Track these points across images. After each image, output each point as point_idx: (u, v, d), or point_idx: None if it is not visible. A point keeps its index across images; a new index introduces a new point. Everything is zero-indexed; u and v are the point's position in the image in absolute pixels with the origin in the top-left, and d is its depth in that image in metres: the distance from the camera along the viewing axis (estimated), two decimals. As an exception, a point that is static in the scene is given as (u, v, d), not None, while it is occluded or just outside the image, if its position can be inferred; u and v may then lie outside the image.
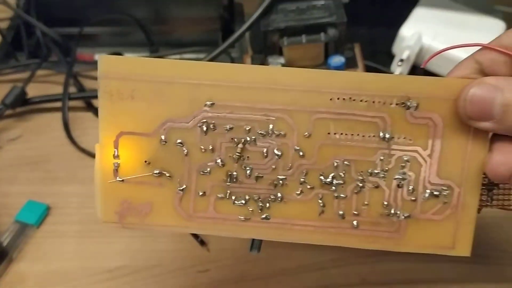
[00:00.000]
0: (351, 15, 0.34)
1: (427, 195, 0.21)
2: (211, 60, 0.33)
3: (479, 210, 0.21)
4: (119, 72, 0.20)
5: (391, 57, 0.39)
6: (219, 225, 0.21)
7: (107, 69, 0.20)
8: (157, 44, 0.42)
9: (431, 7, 0.40)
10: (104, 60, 0.20)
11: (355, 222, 0.21)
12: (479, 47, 0.20)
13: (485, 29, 0.39)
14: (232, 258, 0.29)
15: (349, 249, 0.29)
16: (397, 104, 0.20)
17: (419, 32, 0.37)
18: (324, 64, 0.36)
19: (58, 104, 0.36)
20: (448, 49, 0.20)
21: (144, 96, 0.20)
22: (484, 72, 0.20)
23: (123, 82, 0.20)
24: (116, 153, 0.21)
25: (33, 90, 0.37)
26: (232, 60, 0.39)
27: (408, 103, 0.20)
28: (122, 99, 0.20)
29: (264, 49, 0.34)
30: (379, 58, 0.39)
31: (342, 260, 0.29)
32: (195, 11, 0.41)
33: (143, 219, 0.21)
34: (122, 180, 0.21)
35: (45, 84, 0.39)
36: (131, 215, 0.21)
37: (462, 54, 0.21)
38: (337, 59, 0.34)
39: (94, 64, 0.40)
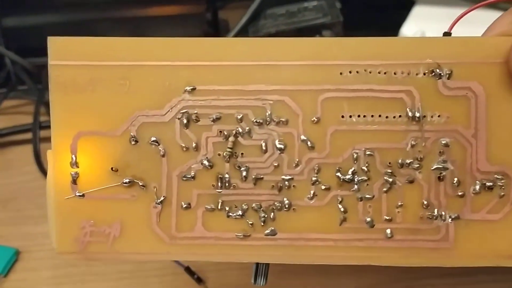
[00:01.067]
0: (345, 20, 0.31)
1: (477, 187, 0.16)
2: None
3: None
4: (74, 57, 0.16)
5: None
6: (210, 247, 0.16)
7: (59, 54, 0.16)
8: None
9: (430, 4, 0.37)
10: (55, 43, 0.16)
11: (388, 231, 0.16)
12: None
13: (489, 23, 0.36)
14: None
15: (379, 272, 0.24)
16: (424, 73, 0.16)
17: (422, 30, 0.34)
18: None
19: (29, 136, 0.33)
20: (476, 8, 0.17)
21: (107, 85, 0.16)
22: None
23: (79, 70, 0.16)
24: (74, 160, 0.16)
25: (1, 122, 0.34)
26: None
27: (439, 71, 0.16)
28: (79, 91, 0.16)
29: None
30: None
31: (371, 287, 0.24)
32: (178, 29, 0.38)
33: (111, 246, 0.16)
34: (83, 195, 0.16)
35: (15, 116, 0.36)
36: (95, 241, 0.16)
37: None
38: None
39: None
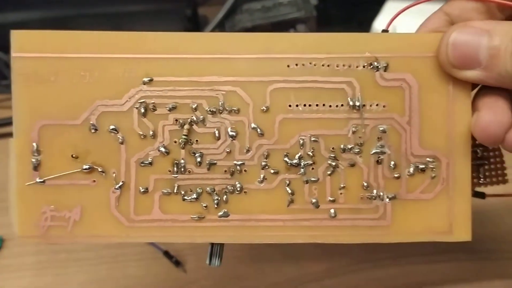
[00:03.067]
0: (321, 16, 0.33)
1: (411, 169, 0.17)
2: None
3: (472, 192, 0.18)
4: (36, 49, 0.17)
5: (365, 54, 0.37)
6: (167, 229, 0.17)
7: (22, 46, 0.17)
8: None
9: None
10: (18, 36, 0.17)
11: (332, 211, 0.17)
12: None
13: None
14: (212, 277, 0.25)
15: (342, 256, 0.26)
16: (364, 66, 0.17)
17: (394, 24, 0.35)
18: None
19: (12, 129, 0.33)
20: (414, 5, 0.18)
21: (68, 77, 0.17)
22: (454, 23, 0.18)
23: (41, 61, 0.17)
24: (35, 148, 0.17)
25: (-15, 116, 0.34)
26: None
27: (377, 64, 0.17)
28: (41, 82, 0.17)
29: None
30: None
31: (335, 269, 0.25)
32: (158, 24, 0.38)
33: (72, 230, 0.17)
34: (43, 181, 0.17)
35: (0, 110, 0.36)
36: (55, 225, 0.17)
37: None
38: None
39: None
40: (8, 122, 0.34)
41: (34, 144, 0.17)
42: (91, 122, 0.17)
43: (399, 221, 0.17)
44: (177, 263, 0.26)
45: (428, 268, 0.25)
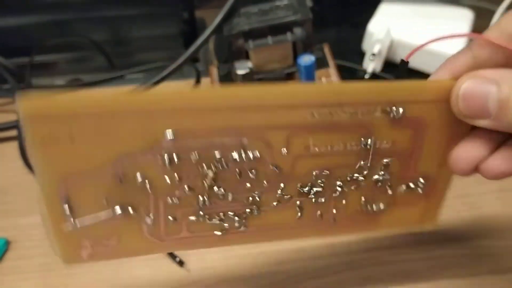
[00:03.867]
0: (316, 18, 0.32)
1: (403, 188, 0.20)
2: (175, 69, 0.32)
3: None
4: (47, 114, 0.15)
5: (361, 55, 0.38)
6: (194, 243, 0.20)
7: (32, 113, 0.15)
8: (118, 67, 0.39)
9: (396, 1, 0.39)
10: (26, 105, 0.15)
11: (333, 218, 0.21)
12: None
13: (453, 18, 0.37)
14: (215, 277, 0.26)
15: (341, 253, 0.27)
16: (380, 112, 0.18)
17: (388, 26, 0.35)
18: (293, 65, 0.34)
19: (13, 133, 0.34)
20: (435, 41, 0.18)
21: (86, 136, 0.16)
22: (481, 66, 0.17)
23: (55, 125, 0.16)
24: (65, 206, 0.17)
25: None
26: (198, 73, 0.37)
27: (394, 110, 0.18)
28: (58, 143, 0.16)
29: (230, 56, 0.32)
30: (349, 57, 0.38)
31: (335, 266, 0.27)
32: (156, 29, 0.39)
33: (112, 252, 0.19)
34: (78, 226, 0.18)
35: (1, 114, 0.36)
36: (97, 251, 0.19)
37: (445, 48, 0.19)
38: (307, 58, 0.31)
39: (51, 88, 0.38)
40: (10, 126, 0.34)
41: (64, 204, 0.17)
42: (117, 174, 0.17)
43: (386, 219, 0.21)
44: (181, 263, 0.27)
45: (420, 262, 0.27)
